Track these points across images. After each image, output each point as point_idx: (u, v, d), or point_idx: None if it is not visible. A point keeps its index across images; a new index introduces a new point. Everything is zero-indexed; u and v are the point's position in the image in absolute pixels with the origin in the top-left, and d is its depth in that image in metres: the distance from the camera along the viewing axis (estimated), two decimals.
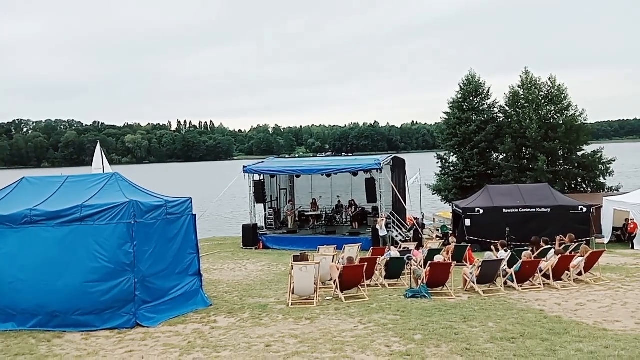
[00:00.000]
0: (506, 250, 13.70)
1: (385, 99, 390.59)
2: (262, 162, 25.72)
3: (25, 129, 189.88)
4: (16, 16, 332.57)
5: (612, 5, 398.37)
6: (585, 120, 34.01)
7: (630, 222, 21.79)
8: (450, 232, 23.80)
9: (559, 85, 34.06)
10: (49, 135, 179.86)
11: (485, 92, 36.26)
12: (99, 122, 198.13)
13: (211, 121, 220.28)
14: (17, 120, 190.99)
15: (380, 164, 21.70)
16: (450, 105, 36.64)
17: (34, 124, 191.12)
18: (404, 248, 16.20)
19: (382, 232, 20.66)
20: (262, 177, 24.50)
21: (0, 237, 9.64)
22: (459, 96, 36.30)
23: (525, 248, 14.59)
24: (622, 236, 22.77)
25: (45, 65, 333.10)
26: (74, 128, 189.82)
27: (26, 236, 9.54)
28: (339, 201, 26.31)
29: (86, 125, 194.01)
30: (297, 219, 25.73)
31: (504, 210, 21.18)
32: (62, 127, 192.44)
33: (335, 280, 11.44)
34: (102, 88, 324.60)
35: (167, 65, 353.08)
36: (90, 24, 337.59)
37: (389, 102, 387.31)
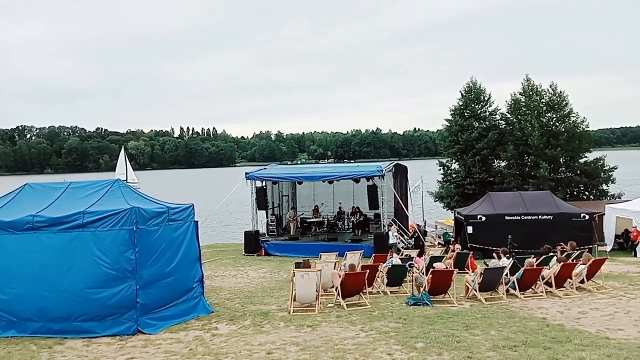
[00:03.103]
0: (508, 258, 13.66)
1: (387, 103, 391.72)
2: (265, 168, 25.76)
3: (28, 135, 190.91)
4: (16, 20, 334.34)
5: (613, 10, 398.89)
6: (586, 127, 34.06)
7: (633, 229, 21.72)
8: (452, 239, 23.76)
9: (560, 92, 34.13)
10: (52, 141, 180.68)
11: (486, 99, 36.32)
12: (101, 129, 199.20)
13: (214, 127, 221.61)
14: (21, 126, 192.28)
15: (382, 170, 21.71)
16: (452, 112, 36.70)
17: (37, 130, 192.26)
18: (406, 255, 16.17)
19: (393, 240, 20.71)
20: (264, 184, 24.53)
21: (2, 243, 9.66)
22: (461, 103, 36.36)
23: (527, 256, 14.55)
24: (625, 244, 22.71)
25: (48, 71, 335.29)
26: (77, 134, 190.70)
27: (28, 242, 9.55)
28: (341, 208, 26.32)
29: (89, 131, 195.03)
30: (299, 225, 25.74)
31: (506, 218, 21.14)
32: (65, 133, 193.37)
33: (337, 288, 11.42)
34: (105, 94, 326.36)
35: (169, 70, 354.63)
36: (92, 30, 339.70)
37: (391, 107, 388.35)
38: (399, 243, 22.12)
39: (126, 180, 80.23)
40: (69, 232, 9.47)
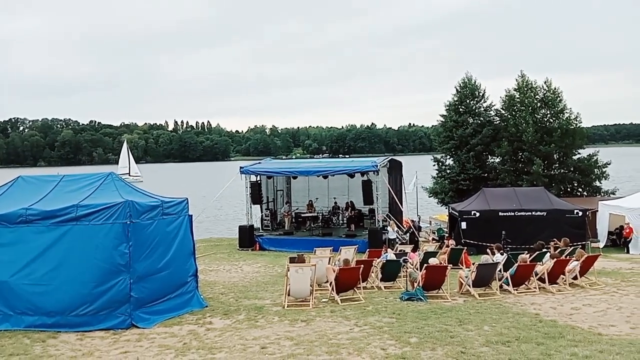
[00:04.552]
0: (502, 254, 13.72)
1: (382, 100, 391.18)
2: (259, 163, 25.68)
3: (21, 128, 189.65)
4: (13, 14, 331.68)
5: (609, 8, 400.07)
6: (580, 123, 34.19)
7: (625, 226, 21.85)
8: (447, 234, 23.83)
9: (555, 88, 34.22)
10: (45, 134, 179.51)
11: (481, 94, 36.38)
12: (95, 122, 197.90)
13: (208, 121, 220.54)
14: (14, 118, 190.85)
15: (377, 166, 21.69)
16: (447, 108, 36.75)
17: (30, 123, 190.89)
18: (400, 250, 16.21)
19: (392, 235, 20.76)
20: (258, 178, 24.46)
21: None
22: (456, 99, 36.40)
23: (521, 252, 14.61)
24: (618, 240, 22.85)
25: (42, 64, 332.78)
26: (70, 127, 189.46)
27: (21, 236, 9.49)
28: (336, 203, 26.32)
29: (83, 124, 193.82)
30: (293, 220, 25.69)
31: (500, 214, 21.20)
32: (58, 126, 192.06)
33: (331, 282, 11.43)
34: (99, 87, 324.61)
35: (165, 65, 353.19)
36: (87, 23, 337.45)
37: (386, 103, 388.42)
38: (397, 240, 22.18)
39: (129, 173, 79.86)
40: (62, 225, 9.39)
